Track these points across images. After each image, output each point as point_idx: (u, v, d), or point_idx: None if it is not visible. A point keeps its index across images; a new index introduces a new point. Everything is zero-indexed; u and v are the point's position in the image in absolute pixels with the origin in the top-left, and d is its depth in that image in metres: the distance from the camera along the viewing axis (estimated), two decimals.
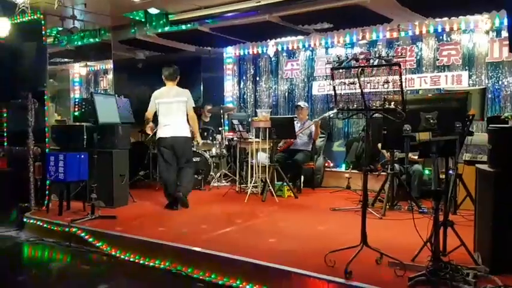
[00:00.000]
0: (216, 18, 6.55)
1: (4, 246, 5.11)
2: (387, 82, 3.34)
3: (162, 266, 4.16)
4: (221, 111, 8.30)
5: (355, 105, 3.51)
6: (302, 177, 7.41)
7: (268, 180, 6.60)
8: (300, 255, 3.94)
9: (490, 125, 3.74)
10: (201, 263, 3.97)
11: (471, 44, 7.20)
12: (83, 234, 4.88)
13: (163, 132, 5.97)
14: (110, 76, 9.35)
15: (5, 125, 6.49)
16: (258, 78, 9.58)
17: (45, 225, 5.35)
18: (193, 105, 6.23)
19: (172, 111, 5.99)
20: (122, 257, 4.46)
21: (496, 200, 3.37)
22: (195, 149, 7.71)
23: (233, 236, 4.66)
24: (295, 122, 7.21)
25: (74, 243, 4.92)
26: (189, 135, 6.09)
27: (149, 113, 6.12)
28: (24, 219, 5.65)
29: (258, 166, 6.96)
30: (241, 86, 9.83)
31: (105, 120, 5.40)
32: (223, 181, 8.06)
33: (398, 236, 4.46)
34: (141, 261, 4.31)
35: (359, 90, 3.41)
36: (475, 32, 7.13)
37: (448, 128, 3.41)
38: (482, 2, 5.40)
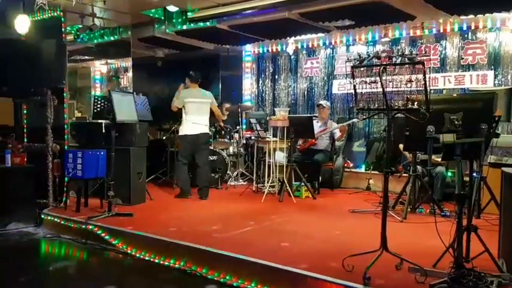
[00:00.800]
0: (235, 15, 6.48)
1: (22, 242, 5.15)
2: (410, 81, 3.22)
3: (176, 265, 4.12)
4: (239, 109, 8.25)
5: (376, 105, 3.40)
6: (320, 177, 7.29)
7: (285, 180, 6.52)
8: (317, 258, 3.85)
9: None
10: (216, 263, 3.91)
11: (497, 42, 6.98)
12: (99, 232, 4.88)
13: (191, 129, 6.52)
14: (130, 74, 9.38)
15: (24, 121, 6.55)
16: (277, 77, 9.49)
17: (62, 222, 5.38)
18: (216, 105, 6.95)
19: (201, 111, 6.64)
20: (137, 255, 4.44)
21: None
22: (212, 147, 7.69)
23: (249, 236, 4.59)
24: (314, 122, 7.09)
25: (90, 241, 4.92)
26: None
27: (174, 107, 6.70)
28: (42, 216, 5.69)
29: (276, 166, 6.88)
30: (260, 84, 9.75)
31: (122, 118, 5.39)
32: (240, 180, 8.00)
33: (420, 240, 4.33)
34: (156, 260, 4.28)
35: (380, 90, 3.30)
36: (502, 30, 6.90)
37: (473, 129, 3.27)
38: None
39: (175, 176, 6.81)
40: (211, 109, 6.85)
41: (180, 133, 6.66)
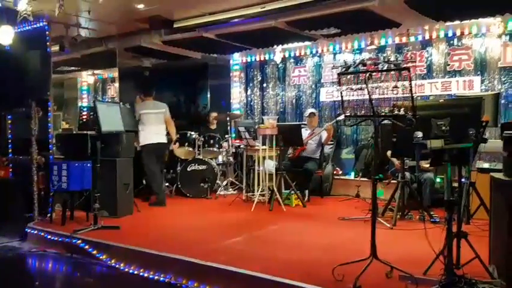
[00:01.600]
0: (222, 24, 6.46)
1: (6, 257, 5.02)
2: (396, 87, 3.21)
3: (164, 278, 4.03)
4: (228, 118, 8.21)
5: (363, 112, 3.39)
6: (310, 185, 7.25)
7: (275, 189, 6.47)
8: (307, 267, 3.80)
9: (505, 132, 3.58)
10: (205, 276, 3.84)
11: (483, 48, 7.03)
12: (85, 245, 4.78)
13: (153, 138, 6.74)
14: (117, 84, 9.33)
15: (9, 133, 6.44)
16: (265, 85, 9.48)
17: (47, 236, 5.26)
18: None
19: (158, 121, 6.86)
20: (124, 268, 4.35)
21: None
22: (201, 157, 7.63)
23: (239, 247, 4.53)
24: (303, 129, 7.08)
25: (76, 254, 4.82)
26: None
27: None
28: (27, 230, 5.57)
29: (265, 174, 6.83)
30: (248, 92, 9.73)
31: (108, 129, 5.31)
32: (230, 189, 7.94)
33: (410, 248, 4.30)
34: (143, 274, 4.19)
35: (367, 96, 3.28)
36: (487, 36, 6.96)
37: (461, 135, 3.26)
38: (494, 5, 5.25)
39: (153, 185, 6.75)
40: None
41: (142, 143, 6.75)
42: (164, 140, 6.93)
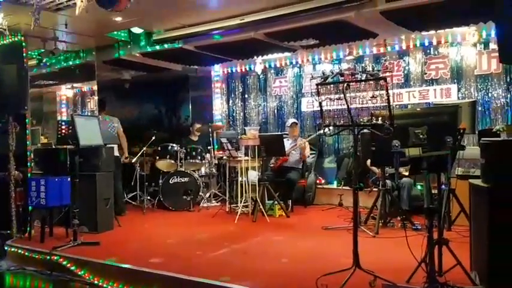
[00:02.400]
0: (201, 36, 6.46)
1: None
2: (374, 97, 3.24)
3: None
4: (210, 129, 8.18)
5: (342, 121, 3.41)
6: (293, 195, 7.25)
7: (258, 200, 6.45)
8: (292, 278, 3.79)
9: (482, 139, 3.63)
10: None
11: (459, 57, 7.17)
12: (64, 263, 4.68)
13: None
14: (96, 97, 9.22)
15: None
16: (246, 96, 9.50)
17: (26, 253, 5.14)
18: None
19: None
20: (105, 286, 4.26)
21: (491, 216, 3.23)
22: (183, 169, 7.58)
23: (223, 259, 4.49)
24: (285, 140, 7.10)
25: (56, 272, 4.71)
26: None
27: None
28: (6, 247, 5.43)
29: (248, 185, 6.81)
30: (230, 104, 9.74)
31: (86, 143, 5.23)
32: (213, 201, 7.89)
33: (393, 256, 4.32)
34: None
35: (346, 106, 3.31)
36: (463, 44, 7.11)
37: (439, 142, 3.31)
38: (468, 15, 5.35)
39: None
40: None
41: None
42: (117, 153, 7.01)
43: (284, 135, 7.26)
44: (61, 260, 4.72)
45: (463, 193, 4.56)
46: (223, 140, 7.26)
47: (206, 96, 9.77)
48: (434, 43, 7.30)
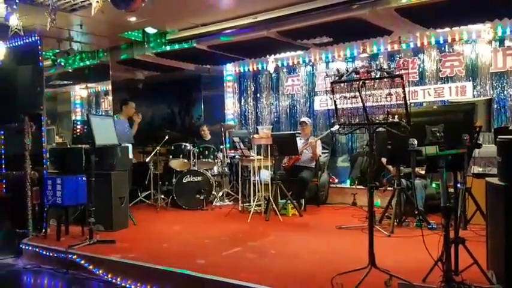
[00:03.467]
0: (214, 35, 6.47)
1: (1, 274, 4.96)
2: (390, 95, 3.22)
3: None
4: (222, 129, 8.20)
5: (357, 120, 3.39)
6: (306, 194, 7.23)
7: (271, 199, 6.45)
8: (306, 277, 3.78)
9: (499, 137, 3.59)
10: None
11: (474, 54, 7.09)
12: (80, 261, 4.73)
13: None
14: (111, 97, 9.30)
15: (2, 149, 6.39)
16: (258, 95, 9.50)
17: (42, 252, 5.19)
18: None
19: None
20: (121, 283, 4.30)
21: (508, 215, 3.19)
22: (196, 168, 7.61)
23: (236, 258, 4.49)
24: (297, 139, 7.08)
25: (72, 270, 4.76)
26: None
27: None
28: (22, 246, 5.49)
29: (261, 184, 6.81)
30: (242, 103, 9.74)
31: (102, 142, 5.28)
32: (226, 200, 7.90)
33: (408, 255, 4.29)
34: None
35: (361, 104, 3.29)
36: (478, 42, 7.02)
37: (455, 140, 3.26)
38: (484, 12, 5.30)
39: None
40: None
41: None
42: None
43: (297, 134, 7.25)
44: (77, 258, 4.77)
45: (479, 192, 4.52)
46: (236, 139, 7.27)
47: (218, 96, 9.79)
48: (449, 40, 7.23)
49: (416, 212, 5.71)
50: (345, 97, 3.40)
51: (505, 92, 6.85)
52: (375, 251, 3.44)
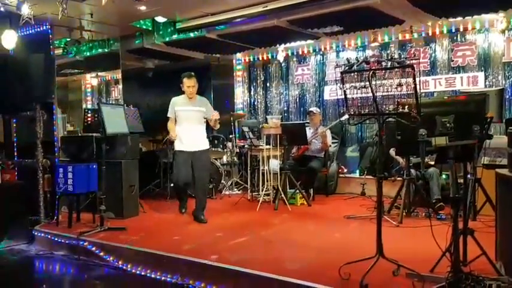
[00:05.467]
0: (224, 24, 6.46)
1: (13, 260, 5.06)
2: (400, 85, 3.20)
3: (171, 279, 4.05)
4: (231, 118, 8.21)
5: (366, 110, 3.38)
6: (315, 184, 7.24)
7: (280, 188, 6.47)
8: (314, 266, 3.81)
9: (510, 128, 3.56)
10: (211, 276, 3.85)
11: (486, 43, 7.00)
12: (91, 247, 4.80)
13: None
14: (121, 86, 9.34)
15: (14, 137, 6.47)
16: (268, 84, 9.48)
17: (54, 238, 5.29)
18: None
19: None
20: (131, 270, 4.37)
21: None
22: None
23: (245, 247, 4.53)
24: (307, 128, 7.07)
25: (83, 256, 4.84)
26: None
27: None
28: (34, 232, 5.59)
29: (270, 173, 6.83)
30: (252, 92, 9.73)
31: (113, 131, 5.33)
32: (235, 189, 7.94)
33: (416, 245, 4.29)
34: (150, 275, 4.20)
35: (371, 94, 3.27)
36: (490, 31, 6.94)
37: (466, 131, 3.25)
38: (497, 1, 5.22)
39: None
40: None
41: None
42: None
43: (306, 124, 7.24)
44: (88, 244, 4.85)
45: (489, 183, 4.49)
46: (245, 129, 7.29)
47: (228, 85, 9.78)
48: (461, 29, 7.14)
49: (433, 201, 5.69)
50: (355, 87, 3.38)
51: None
52: (383, 241, 3.45)
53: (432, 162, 5.67)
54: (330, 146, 7.41)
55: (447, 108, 3.59)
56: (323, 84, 8.71)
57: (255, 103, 9.69)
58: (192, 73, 5.88)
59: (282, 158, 6.86)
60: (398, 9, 5.70)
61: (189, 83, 5.79)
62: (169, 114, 5.89)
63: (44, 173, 5.98)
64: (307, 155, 7.24)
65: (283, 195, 6.48)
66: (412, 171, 5.77)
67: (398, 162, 6.29)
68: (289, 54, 8.93)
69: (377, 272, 3.27)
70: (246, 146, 7.75)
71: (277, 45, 7.97)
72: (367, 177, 7.36)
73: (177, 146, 5.81)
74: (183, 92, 5.89)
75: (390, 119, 3.70)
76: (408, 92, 3.20)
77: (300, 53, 8.89)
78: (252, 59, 9.58)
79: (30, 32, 6.18)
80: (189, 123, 5.80)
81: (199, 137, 5.85)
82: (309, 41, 7.90)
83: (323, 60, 8.71)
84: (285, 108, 9.23)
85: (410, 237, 4.73)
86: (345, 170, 8.11)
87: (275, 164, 6.95)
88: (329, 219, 5.86)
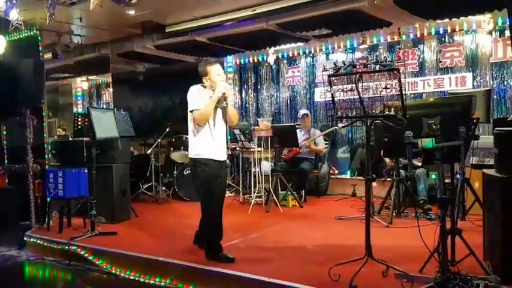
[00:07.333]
0: (213, 28, 6.48)
1: (5, 266, 5.03)
2: (387, 88, 3.24)
3: (163, 283, 4.05)
4: None
5: (354, 112, 3.41)
6: (306, 185, 7.27)
7: (271, 190, 6.50)
8: (304, 268, 3.83)
9: (496, 128, 3.62)
10: (203, 279, 3.86)
11: (474, 44, 7.08)
12: (82, 252, 4.79)
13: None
14: (111, 89, 9.34)
15: (4, 142, 6.44)
16: (259, 87, 9.51)
17: (45, 244, 5.26)
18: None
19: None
20: (122, 274, 4.36)
21: (504, 206, 3.23)
22: None
23: (236, 249, 4.53)
24: (298, 130, 7.11)
25: (74, 262, 4.82)
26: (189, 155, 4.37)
27: None
28: (25, 238, 5.56)
29: (261, 175, 6.85)
30: (243, 94, 9.75)
31: (102, 135, 5.32)
32: (227, 192, 7.94)
33: (406, 245, 4.32)
34: (142, 279, 4.20)
35: (358, 97, 3.31)
36: (478, 32, 7.01)
37: (452, 133, 3.30)
38: (483, 2, 5.27)
39: None
40: None
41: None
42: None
43: (297, 126, 7.27)
44: (79, 250, 4.83)
45: (478, 182, 4.54)
46: (236, 132, 7.30)
47: None
48: (449, 31, 7.21)
49: (421, 202, 5.74)
50: (343, 90, 3.42)
51: (505, 83, 6.84)
52: (373, 242, 3.48)
53: (419, 164, 5.74)
54: (322, 151, 7.43)
55: (433, 109, 3.63)
56: (313, 86, 8.75)
57: (246, 105, 9.71)
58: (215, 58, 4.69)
59: (274, 160, 6.89)
60: (385, 12, 5.74)
61: (219, 70, 4.36)
62: (197, 106, 4.21)
63: (35, 178, 5.96)
64: (298, 157, 7.28)
65: (274, 197, 6.50)
66: (402, 171, 5.82)
67: (386, 163, 6.35)
68: (280, 57, 8.97)
69: (366, 273, 3.31)
70: (237, 148, 7.77)
71: (267, 48, 8.00)
72: (357, 178, 7.41)
73: (207, 153, 4.19)
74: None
75: (379, 121, 3.74)
76: (394, 94, 3.24)
77: (290, 55, 8.93)
78: (242, 62, 9.60)
79: (20, 36, 6.17)
80: (218, 123, 4.30)
81: (224, 142, 4.49)
82: (299, 44, 7.94)
83: (313, 62, 8.75)
84: (276, 110, 9.26)
85: (399, 237, 4.76)
86: (336, 171, 8.15)
87: (266, 166, 6.98)
88: (320, 220, 5.89)
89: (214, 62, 4.42)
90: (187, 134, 7.65)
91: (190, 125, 4.32)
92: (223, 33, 6.65)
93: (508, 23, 6.05)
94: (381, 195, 6.21)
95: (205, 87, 4.34)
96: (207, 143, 4.20)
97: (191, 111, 4.24)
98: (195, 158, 4.21)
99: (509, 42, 6.54)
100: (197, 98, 4.25)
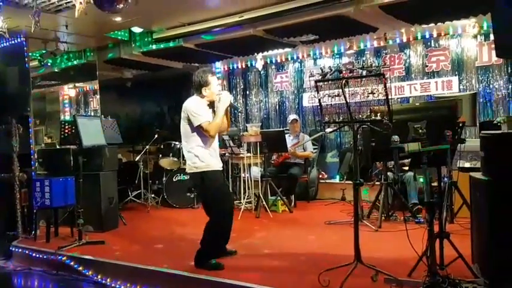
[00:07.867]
0: (201, 34, 6.48)
1: None
2: (373, 93, 3.26)
3: None
4: None
5: (341, 118, 3.42)
6: (296, 190, 7.27)
7: (261, 195, 6.48)
8: (294, 274, 3.82)
9: (482, 132, 3.65)
10: (192, 287, 3.83)
11: (460, 48, 7.15)
12: (70, 262, 4.73)
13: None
14: (98, 96, 9.27)
15: None
16: (248, 92, 9.51)
17: (32, 254, 5.19)
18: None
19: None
20: (110, 284, 4.31)
21: (491, 209, 3.25)
22: (186, 167, 7.60)
23: (226, 257, 4.51)
24: (287, 135, 7.11)
25: (61, 271, 4.76)
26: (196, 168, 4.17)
27: None
28: (12, 248, 5.48)
29: (251, 181, 6.84)
30: (232, 100, 9.70)
31: (89, 143, 5.26)
32: None
33: (395, 249, 4.33)
34: None
35: (345, 102, 3.32)
36: (463, 36, 7.09)
37: (438, 136, 3.32)
38: (468, 7, 5.34)
39: None
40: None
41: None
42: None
43: (285, 131, 7.28)
44: (66, 259, 4.77)
45: (465, 185, 4.56)
46: (225, 137, 7.28)
47: None
48: (435, 35, 7.29)
49: (411, 205, 5.76)
50: (330, 95, 3.43)
51: (491, 86, 6.92)
52: (362, 246, 3.48)
53: (406, 168, 5.76)
54: (310, 156, 7.45)
55: (419, 114, 3.66)
56: (301, 91, 8.78)
57: (235, 111, 9.68)
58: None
59: (263, 166, 6.88)
60: (371, 18, 5.79)
61: (217, 81, 4.38)
62: (207, 118, 4.14)
63: (21, 187, 5.88)
64: (287, 162, 7.29)
65: (264, 203, 6.49)
66: (390, 175, 5.84)
67: (376, 166, 6.37)
68: (268, 62, 8.99)
69: (356, 278, 3.30)
70: (226, 154, 7.75)
71: (255, 54, 8.02)
72: (347, 182, 7.43)
73: (214, 164, 4.19)
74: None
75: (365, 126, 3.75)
76: (382, 98, 3.26)
77: (278, 60, 8.95)
78: (231, 67, 9.60)
79: (5, 44, 6.11)
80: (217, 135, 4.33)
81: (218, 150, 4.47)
82: (286, 49, 7.97)
83: (301, 67, 8.78)
84: (265, 116, 9.27)
85: (388, 241, 4.78)
86: (325, 176, 8.17)
87: (256, 172, 6.97)
88: (310, 225, 5.88)
89: (213, 72, 4.46)
90: (175, 141, 7.71)
91: (196, 138, 4.15)
92: (206, 39, 6.65)
93: (492, 28, 6.15)
94: (370, 199, 6.22)
95: (202, 97, 4.26)
96: (215, 154, 4.24)
97: (199, 125, 4.09)
98: (205, 171, 4.11)
99: (494, 46, 6.63)
100: (203, 110, 4.20)
